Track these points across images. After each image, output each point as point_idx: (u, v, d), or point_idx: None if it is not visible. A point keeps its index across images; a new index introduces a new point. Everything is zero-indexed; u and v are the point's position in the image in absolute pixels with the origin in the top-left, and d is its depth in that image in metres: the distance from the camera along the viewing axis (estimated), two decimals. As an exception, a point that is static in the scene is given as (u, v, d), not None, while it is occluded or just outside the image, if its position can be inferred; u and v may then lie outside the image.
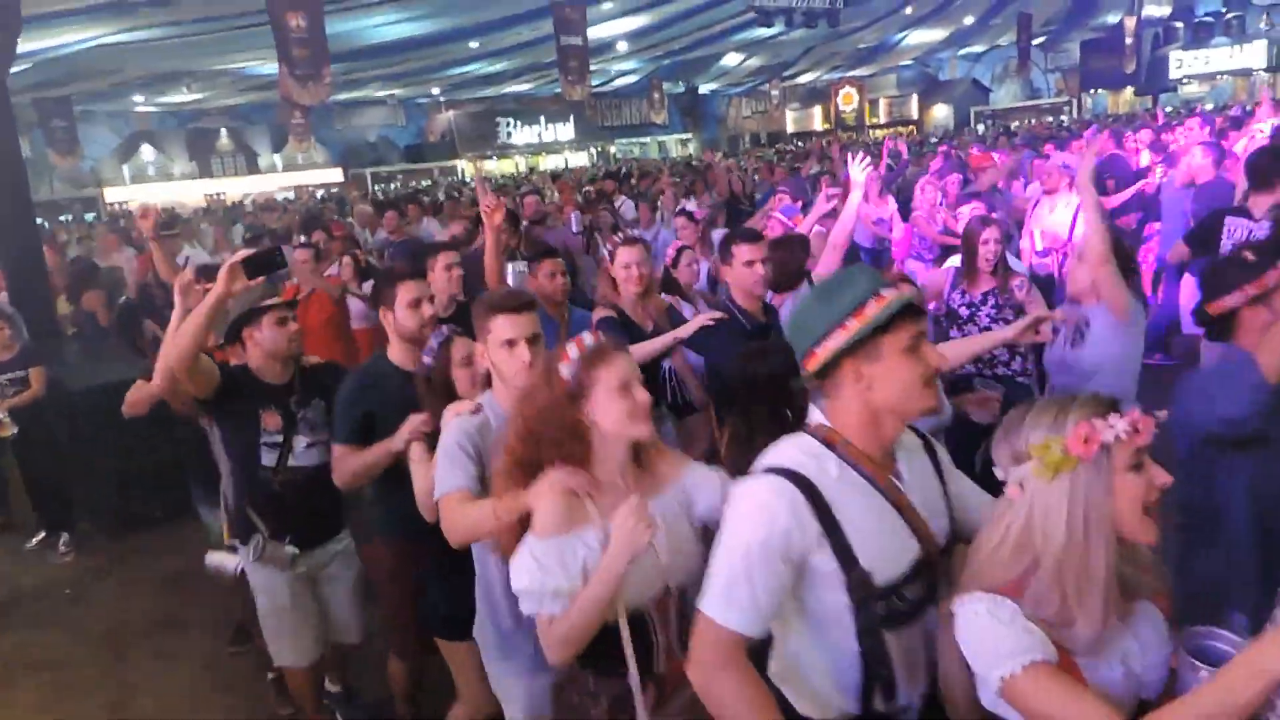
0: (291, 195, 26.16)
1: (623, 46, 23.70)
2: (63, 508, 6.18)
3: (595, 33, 18.14)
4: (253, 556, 3.29)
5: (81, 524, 6.21)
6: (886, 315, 1.68)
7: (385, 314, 3.26)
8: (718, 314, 3.58)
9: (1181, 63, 29.75)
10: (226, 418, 3.32)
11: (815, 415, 1.83)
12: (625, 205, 10.98)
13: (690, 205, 7.29)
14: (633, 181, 16.30)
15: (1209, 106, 22.67)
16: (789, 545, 1.66)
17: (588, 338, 2.15)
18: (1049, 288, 6.07)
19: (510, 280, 3.99)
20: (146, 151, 27.33)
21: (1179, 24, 28.86)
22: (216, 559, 3.61)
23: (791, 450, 1.77)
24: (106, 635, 4.87)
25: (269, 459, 3.31)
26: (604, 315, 3.97)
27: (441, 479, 2.45)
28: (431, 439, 2.73)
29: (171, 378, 3.07)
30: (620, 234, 4.55)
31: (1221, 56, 28.93)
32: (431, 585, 3.03)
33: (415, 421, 2.87)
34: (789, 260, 4.11)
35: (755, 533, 1.67)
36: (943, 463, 1.94)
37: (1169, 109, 23.63)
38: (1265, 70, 28.46)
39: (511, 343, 2.55)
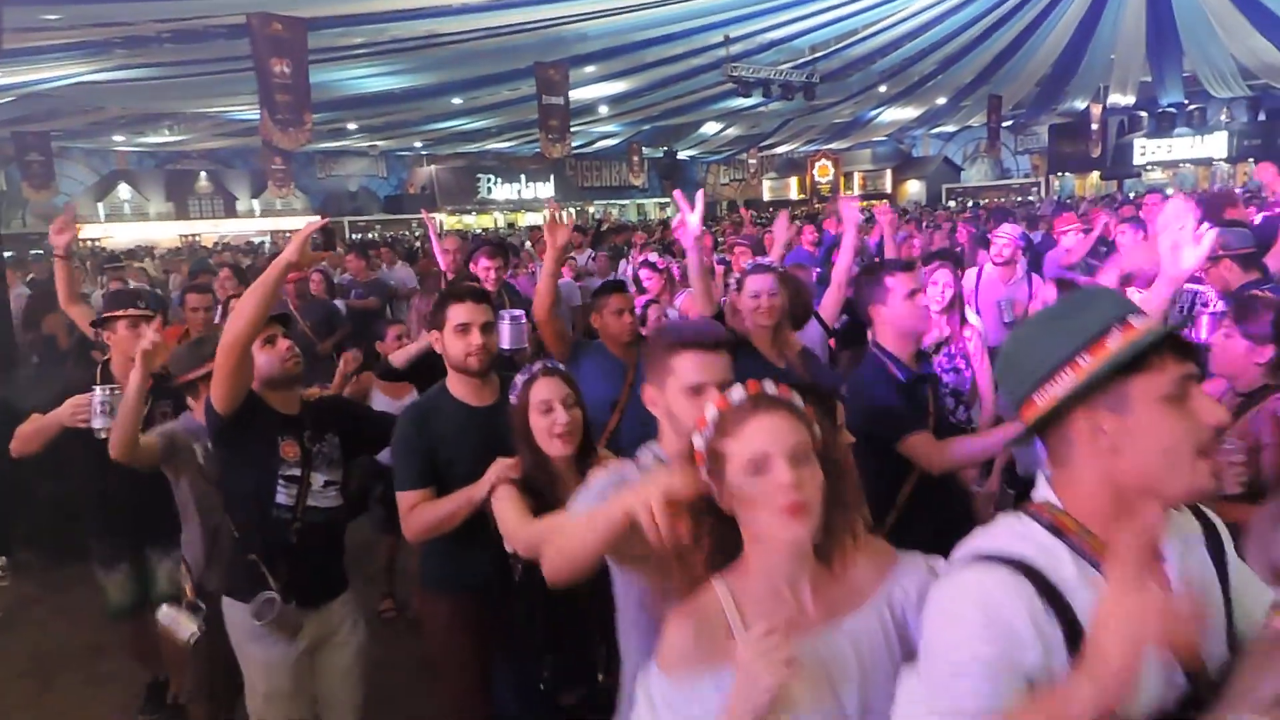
0: (268, 239, 26.16)
1: (604, 110, 24.15)
2: (1, 533, 6.07)
3: (577, 95, 18.49)
4: (260, 619, 2.83)
5: (21, 551, 6.10)
6: (1135, 350, 1.24)
7: (437, 339, 2.98)
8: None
9: (1145, 150, 30.70)
10: (237, 447, 2.93)
11: (1041, 490, 1.37)
12: (586, 255, 11.14)
13: (653, 257, 7.39)
14: (602, 229, 16.52)
15: (1170, 192, 23.38)
16: (1028, 663, 1.19)
17: (736, 392, 1.54)
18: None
19: (506, 332, 3.79)
20: (123, 190, 27.28)
21: (1143, 113, 29.83)
22: (170, 616, 3.23)
23: (1010, 535, 1.32)
24: (34, 662, 4.76)
25: (286, 497, 2.94)
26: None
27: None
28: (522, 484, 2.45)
29: (231, 377, 2.76)
30: (748, 259, 4.49)
31: (1184, 145, 29.89)
32: (522, 660, 2.49)
33: (501, 467, 2.54)
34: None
35: (980, 646, 1.19)
36: (1228, 556, 1.39)
37: (1133, 194, 24.32)
38: (1225, 161, 29.42)
39: (698, 389, 1.94)
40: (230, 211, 29.23)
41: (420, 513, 2.73)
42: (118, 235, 26.23)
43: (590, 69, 18.84)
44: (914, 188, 35.54)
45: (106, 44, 13.60)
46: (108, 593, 3.94)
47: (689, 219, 3.44)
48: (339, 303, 8.27)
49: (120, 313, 3.86)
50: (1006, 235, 6.21)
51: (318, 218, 3.37)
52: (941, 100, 27.54)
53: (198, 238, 27.04)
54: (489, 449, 2.64)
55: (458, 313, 2.87)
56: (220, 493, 3.16)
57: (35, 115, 18.49)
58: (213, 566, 3.37)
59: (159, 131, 23.41)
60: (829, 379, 3.71)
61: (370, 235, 28.24)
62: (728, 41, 17.73)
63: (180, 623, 3.20)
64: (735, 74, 17.72)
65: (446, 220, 32.25)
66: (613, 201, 38.37)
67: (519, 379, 2.53)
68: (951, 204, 28.57)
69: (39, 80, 15.21)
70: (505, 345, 3.60)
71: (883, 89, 25.17)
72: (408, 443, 2.82)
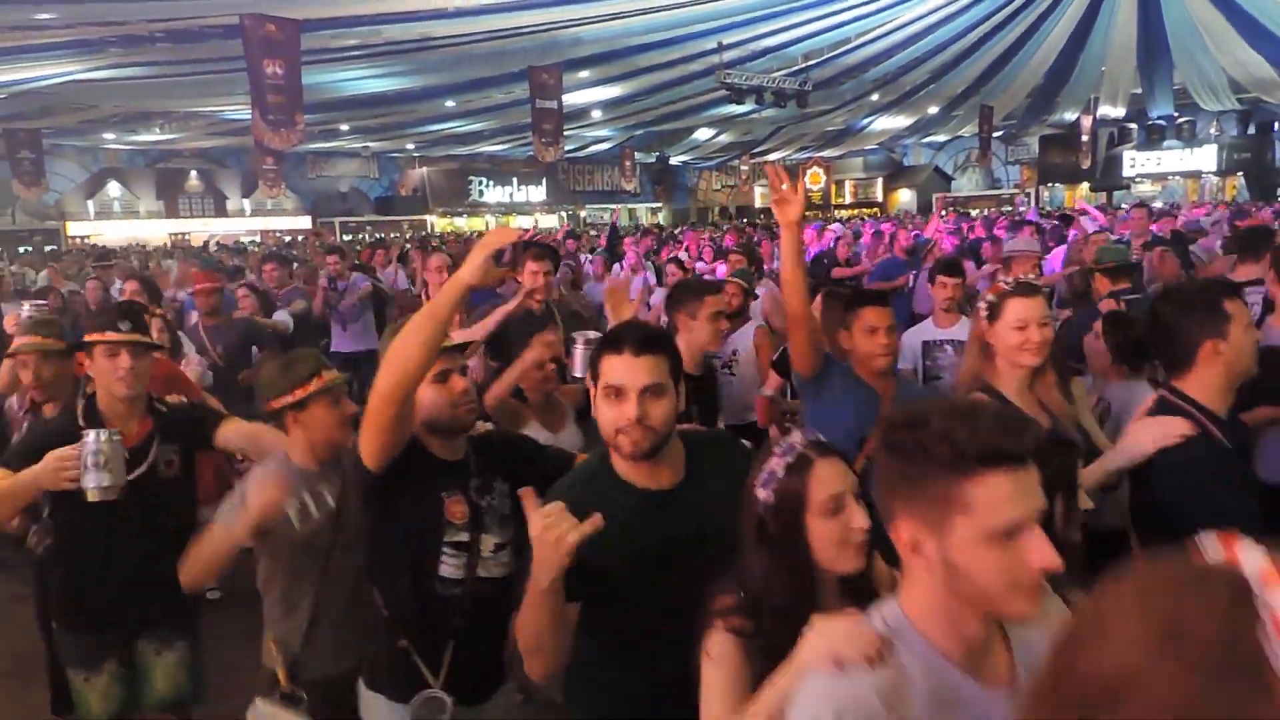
0: (257, 239, 26.10)
1: (597, 114, 24.20)
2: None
3: (570, 99, 18.53)
4: None
5: (3, 550, 6.06)
6: None
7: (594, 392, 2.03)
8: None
9: (1135, 162, 30.91)
10: (390, 509, 2.33)
11: None
12: (585, 259, 11.16)
13: (681, 255, 7.52)
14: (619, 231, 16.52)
15: (1158, 205, 23.54)
16: None
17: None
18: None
19: (580, 359, 3.25)
20: (113, 188, 27.18)
21: (1133, 125, 30.04)
22: (269, 714, 2.58)
23: None
24: (16, 662, 4.74)
25: (452, 568, 2.33)
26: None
27: None
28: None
29: (389, 412, 2.13)
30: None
31: (1173, 158, 30.11)
32: None
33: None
34: None
35: None
36: None
37: (1122, 205, 24.49)
38: (1214, 174, 29.65)
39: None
40: (220, 211, 29.14)
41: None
42: (107, 233, 26.12)
43: (584, 73, 18.89)
44: (905, 196, 35.71)
45: (100, 43, 13.59)
46: (85, 702, 3.03)
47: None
48: (285, 314, 7.16)
49: (98, 337, 2.91)
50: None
51: (495, 227, 2.15)
52: (933, 110, 27.68)
53: (187, 236, 26.95)
54: (667, 557, 1.89)
55: (614, 370, 1.93)
56: (369, 560, 2.53)
57: (27, 113, 18.44)
58: (313, 646, 2.67)
59: (150, 130, 23.35)
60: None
61: (361, 236, 28.20)
62: (721, 48, 17.79)
63: None
64: (728, 81, 17.79)
65: (438, 223, 32.24)
66: (604, 206, 38.40)
67: (775, 463, 1.69)
68: (943, 213, 28.71)
69: (32, 78, 15.18)
70: (579, 373, 3.11)
71: (875, 98, 25.31)
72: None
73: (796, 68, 20.65)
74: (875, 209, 34.80)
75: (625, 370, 1.89)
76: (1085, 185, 31.87)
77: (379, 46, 15.66)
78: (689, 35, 17.48)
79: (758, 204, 38.47)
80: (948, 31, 20.33)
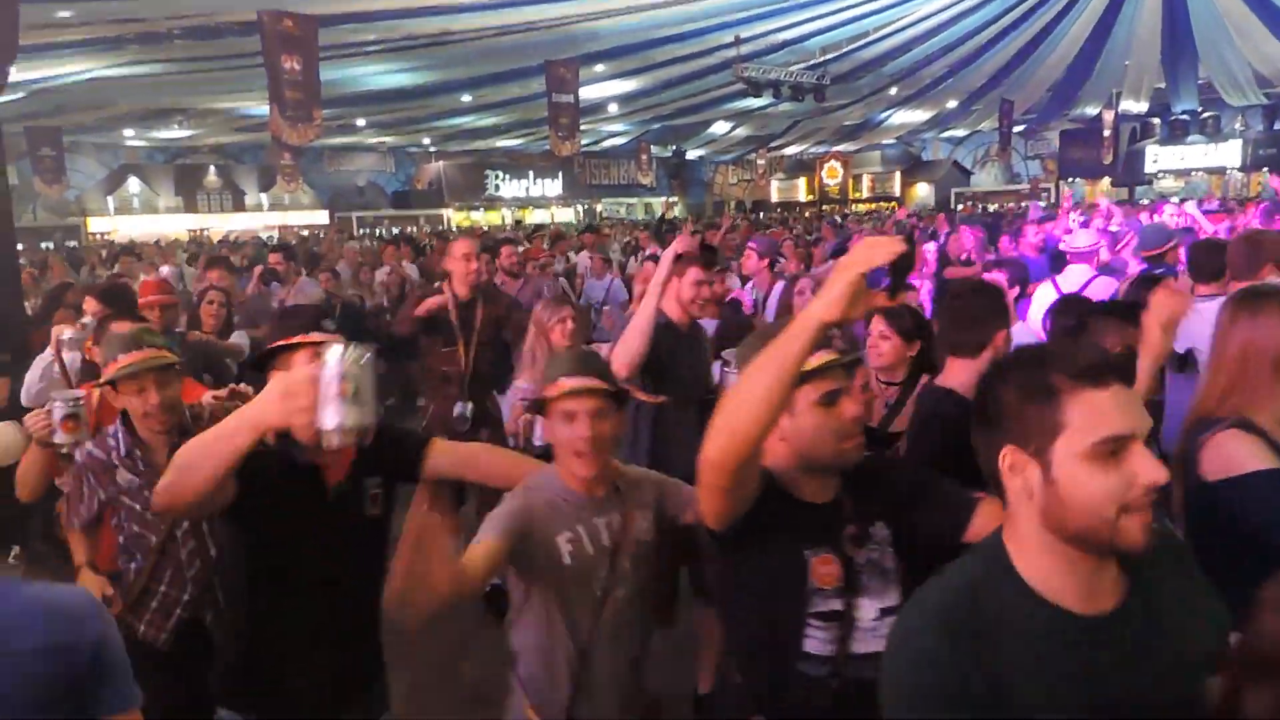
0: (275, 235, 26.22)
1: (613, 108, 24.12)
2: (14, 523, 6.08)
3: (587, 93, 18.46)
4: None
5: (35, 543, 6.11)
6: None
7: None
8: None
9: (1158, 158, 30.56)
10: (737, 570, 1.88)
11: None
12: (582, 257, 11.11)
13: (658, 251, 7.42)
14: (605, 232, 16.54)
15: (1176, 200, 23.31)
16: None
17: None
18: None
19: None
20: (133, 184, 27.33)
21: (1156, 120, 29.68)
22: None
23: None
24: None
25: (821, 643, 1.83)
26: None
27: None
28: None
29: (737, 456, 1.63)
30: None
31: (1196, 154, 29.74)
32: None
33: None
34: None
35: None
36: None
37: (1145, 201, 24.23)
38: (1238, 170, 29.27)
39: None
40: (239, 206, 29.27)
41: None
42: (127, 229, 26.27)
43: (600, 67, 18.80)
44: (923, 191, 35.44)
45: (119, 40, 13.61)
46: None
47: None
48: (244, 336, 6.21)
49: (302, 338, 2.36)
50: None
51: (869, 238, 1.57)
52: (952, 104, 27.43)
53: (206, 232, 27.08)
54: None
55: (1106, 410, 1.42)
56: (725, 632, 2.08)
57: (46, 110, 18.51)
58: (586, 697, 2.25)
59: (169, 126, 23.43)
60: None
61: (378, 230, 28.24)
62: (738, 42, 17.67)
63: None
64: (745, 74, 17.67)
65: (454, 216, 32.27)
66: (621, 200, 38.35)
67: None
68: (960, 208, 28.46)
69: (52, 76, 15.23)
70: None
71: (893, 91, 25.08)
72: (936, 677, 1.30)
73: (814, 61, 20.48)
74: (893, 203, 34.58)
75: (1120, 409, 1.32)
76: (1106, 180, 31.55)
77: (397, 41, 15.63)
78: (706, 29, 17.35)
79: (774, 198, 38.32)
80: (968, 25, 20.10)
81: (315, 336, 2.28)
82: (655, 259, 7.01)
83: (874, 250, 1.49)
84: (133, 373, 2.67)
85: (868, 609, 1.85)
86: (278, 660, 2.32)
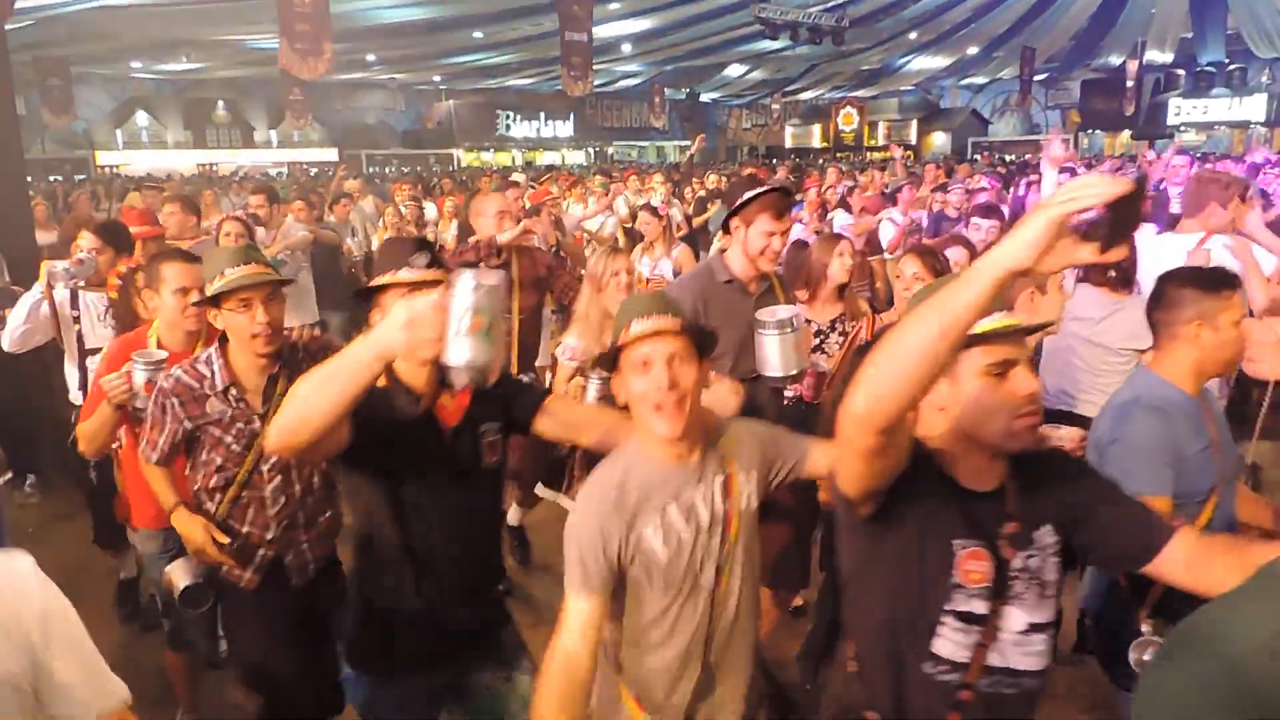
0: (285, 171, 26.05)
1: (627, 48, 23.74)
2: (29, 450, 6.14)
3: (600, 32, 18.16)
4: None
5: (50, 471, 6.17)
6: None
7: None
8: None
9: (1180, 110, 30.05)
10: (877, 547, 1.67)
11: None
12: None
13: (655, 201, 7.25)
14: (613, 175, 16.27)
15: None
16: None
17: None
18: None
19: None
20: (141, 117, 27.14)
21: (1180, 71, 29.14)
22: None
23: None
24: (64, 575, 4.81)
25: (955, 646, 1.62)
26: None
27: None
28: None
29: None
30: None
31: (1220, 107, 29.23)
32: None
33: None
34: None
35: None
36: None
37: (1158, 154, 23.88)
38: (1263, 125, 28.78)
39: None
40: (248, 142, 29.09)
41: None
42: (136, 163, 26.15)
43: (615, 5, 18.49)
44: (939, 139, 34.97)
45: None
46: None
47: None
48: None
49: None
50: None
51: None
52: (973, 50, 26.94)
53: (215, 167, 26.94)
54: None
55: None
56: (846, 612, 1.83)
57: (54, 40, 18.30)
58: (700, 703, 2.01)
59: (177, 59, 23.18)
60: None
61: (388, 170, 28.04)
62: (757, -19, 17.35)
63: None
64: (764, 15, 17.36)
65: (464, 157, 32.01)
66: (632, 143, 37.96)
67: None
68: (977, 158, 28.11)
69: (58, 2, 15.02)
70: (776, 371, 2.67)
71: (913, 36, 24.64)
72: None
73: (833, 3, 20.11)
74: (909, 152, 34.15)
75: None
76: (1127, 133, 31.09)
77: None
78: (724, -32, 17.03)
79: (788, 144, 37.88)
80: (992, -32, 19.69)
81: (404, 277, 2.12)
82: (654, 211, 6.76)
83: (1089, 190, 1.22)
84: (241, 286, 2.45)
85: (1015, 619, 1.62)
86: (399, 616, 2.18)
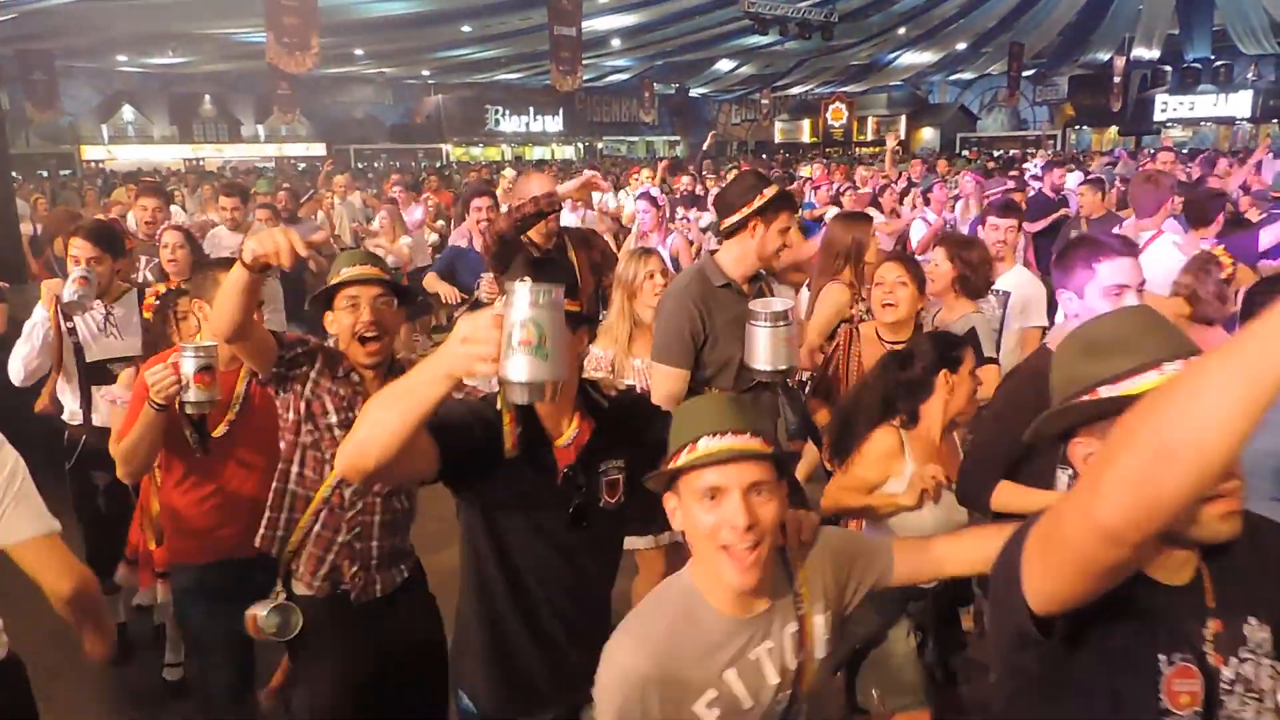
0: (272, 165, 25.93)
1: (616, 43, 23.71)
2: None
3: (589, 26, 18.13)
4: None
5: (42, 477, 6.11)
6: None
7: None
8: None
9: (1167, 106, 30.18)
10: (1066, 666, 1.31)
11: None
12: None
13: (654, 191, 7.28)
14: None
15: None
16: None
17: None
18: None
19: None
20: (127, 112, 26.95)
21: (1167, 68, 29.27)
22: None
23: None
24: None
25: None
26: None
27: None
28: None
29: None
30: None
31: (1206, 103, 29.38)
32: None
33: None
34: None
35: None
36: None
37: (1150, 150, 23.98)
38: (1249, 121, 28.93)
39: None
40: (235, 136, 28.92)
41: None
42: (122, 158, 25.98)
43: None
44: (928, 135, 35.03)
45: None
46: None
47: None
48: None
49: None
50: None
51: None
52: (962, 46, 27.00)
53: (201, 161, 26.78)
54: None
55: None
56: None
57: (39, 33, 18.15)
58: None
59: (163, 52, 23.01)
60: None
61: (376, 164, 27.94)
62: (746, -24, 17.33)
63: None
64: (753, 10, 17.34)
65: (453, 151, 31.93)
66: (622, 138, 37.91)
67: None
68: (965, 153, 28.18)
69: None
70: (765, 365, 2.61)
71: (902, 31, 24.68)
72: None
73: (823, -1, 20.14)
74: (898, 146, 34.22)
75: None
76: (1114, 129, 31.20)
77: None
78: (713, -38, 17.02)
79: (777, 139, 37.88)
80: (981, -36, 19.73)
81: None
82: (653, 200, 6.83)
83: None
84: (349, 281, 2.35)
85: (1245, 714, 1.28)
86: (509, 651, 2.02)
